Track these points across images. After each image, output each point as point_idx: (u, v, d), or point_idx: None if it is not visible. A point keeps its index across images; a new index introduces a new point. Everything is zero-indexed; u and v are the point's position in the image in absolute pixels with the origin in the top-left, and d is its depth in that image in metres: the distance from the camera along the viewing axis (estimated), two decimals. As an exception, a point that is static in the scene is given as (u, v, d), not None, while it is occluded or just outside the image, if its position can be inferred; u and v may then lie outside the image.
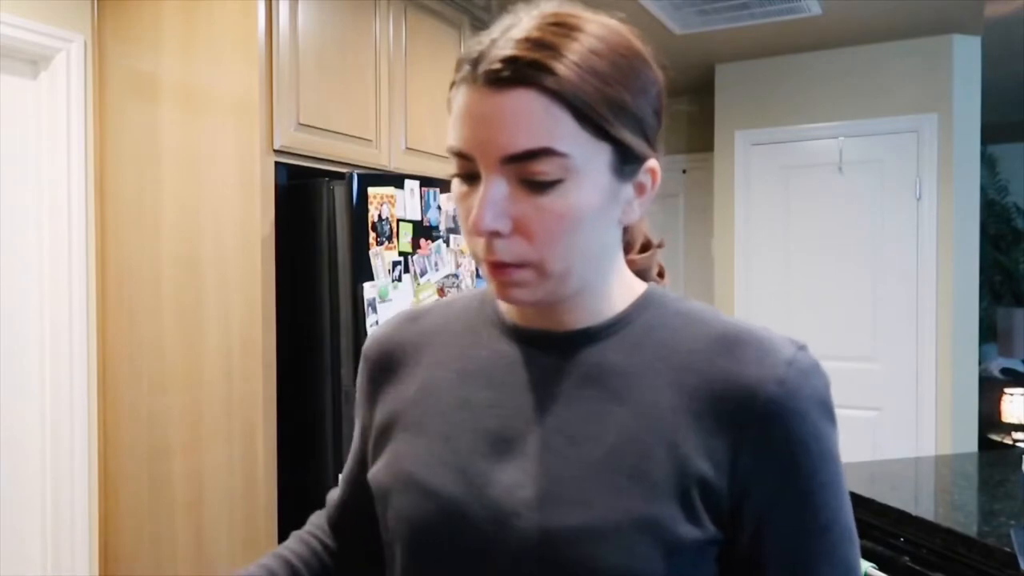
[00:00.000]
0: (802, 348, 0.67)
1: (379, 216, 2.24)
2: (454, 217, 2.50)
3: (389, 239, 2.28)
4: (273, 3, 2.16)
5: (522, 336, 0.73)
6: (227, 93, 2.18)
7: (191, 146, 2.24)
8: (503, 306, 0.76)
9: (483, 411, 0.71)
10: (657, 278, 0.79)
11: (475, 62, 0.63)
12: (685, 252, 4.65)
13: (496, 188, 0.63)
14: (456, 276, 2.53)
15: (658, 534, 0.62)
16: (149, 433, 2.32)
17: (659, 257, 0.80)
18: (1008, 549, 1.55)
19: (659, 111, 0.69)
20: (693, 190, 4.61)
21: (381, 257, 2.26)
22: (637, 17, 3.41)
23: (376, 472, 0.76)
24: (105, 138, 2.38)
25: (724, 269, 4.10)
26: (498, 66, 0.62)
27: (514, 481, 0.66)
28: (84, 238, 2.35)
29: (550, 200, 0.63)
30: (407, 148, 2.68)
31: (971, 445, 3.68)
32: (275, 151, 2.18)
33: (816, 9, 3.23)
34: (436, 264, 2.44)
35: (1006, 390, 4.18)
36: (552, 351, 0.71)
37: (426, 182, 2.41)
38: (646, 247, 0.79)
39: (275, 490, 2.15)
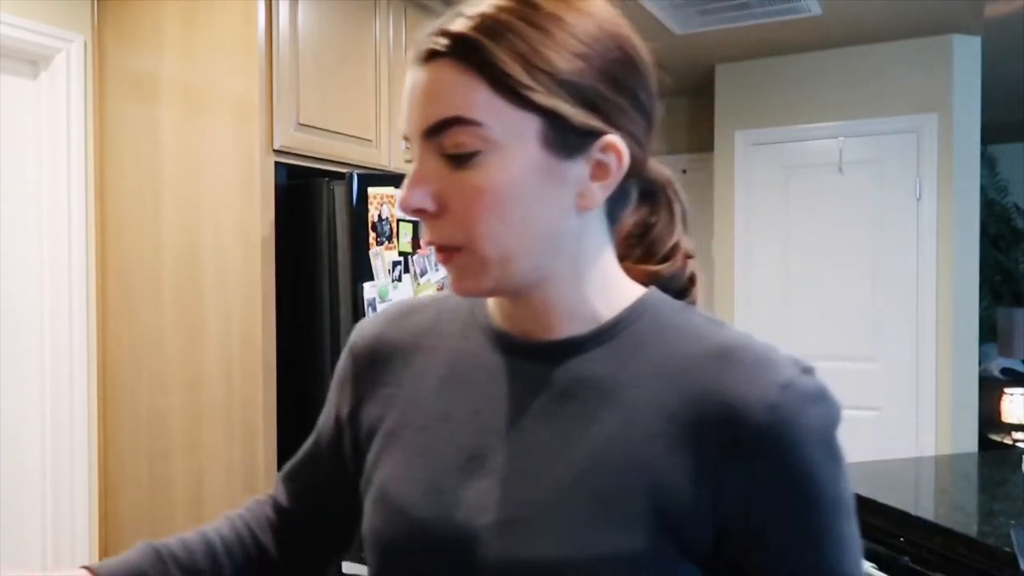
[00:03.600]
0: (806, 371, 0.60)
1: (379, 216, 2.24)
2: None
3: (389, 239, 2.28)
4: (273, 3, 2.16)
5: (507, 343, 0.68)
6: (227, 93, 2.18)
7: (191, 146, 2.24)
8: (491, 309, 0.71)
9: (462, 425, 0.67)
10: (688, 288, 0.73)
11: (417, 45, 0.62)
12: (685, 252, 4.65)
13: (422, 166, 0.61)
14: (456, 276, 2.53)
15: (624, 571, 0.57)
16: (149, 433, 2.32)
17: (691, 268, 0.73)
18: (1008, 549, 1.55)
19: (624, 82, 0.62)
20: (693, 190, 4.59)
21: (381, 257, 2.26)
22: (637, 17, 3.40)
23: (362, 481, 0.73)
24: (105, 138, 2.38)
25: (724, 269, 4.10)
26: (424, 42, 0.61)
27: (481, 503, 0.62)
28: (84, 238, 2.35)
29: (469, 175, 0.59)
30: (407, 148, 2.68)
31: (971, 445, 3.68)
32: (275, 151, 2.18)
33: (816, 9, 3.23)
34: (436, 264, 2.44)
35: (1006, 390, 4.18)
36: (535, 361, 0.66)
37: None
38: (668, 256, 0.72)
39: (275, 490, 2.15)
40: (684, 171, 4.64)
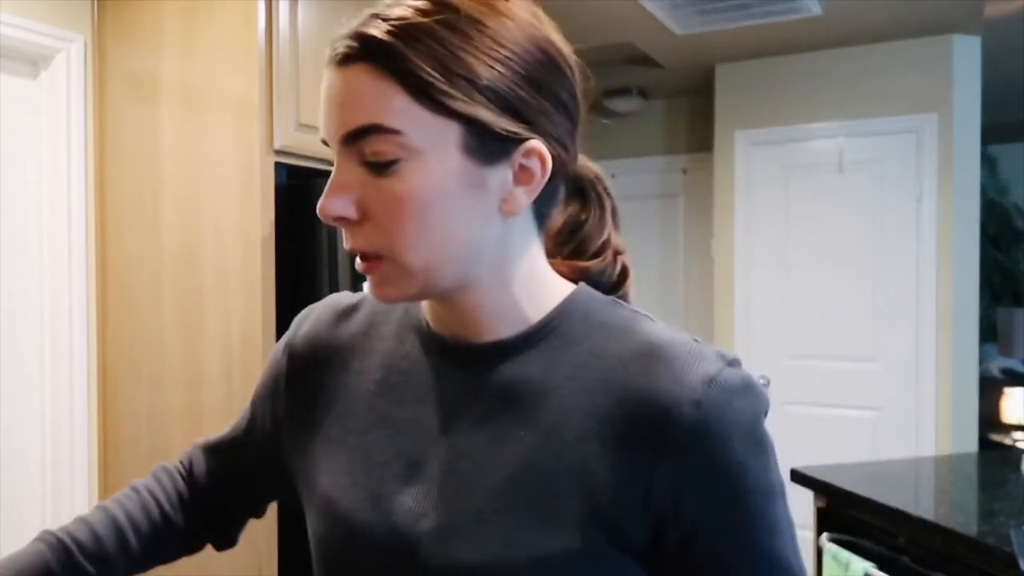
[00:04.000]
0: (731, 364, 0.60)
1: (379, 216, 2.24)
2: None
3: (389, 239, 2.28)
4: (273, 3, 2.16)
5: (440, 347, 0.68)
6: (227, 93, 2.18)
7: (191, 146, 2.24)
8: (426, 311, 0.70)
9: (398, 430, 0.66)
10: (620, 283, 0.73)
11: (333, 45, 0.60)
12: (685, 253, 4.65)
13: (341, 172, 0.60)
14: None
15: (560, 571, 0.58)
16: (149, 433, 2.32)
17: (621, 263, 0.73)
18: (1008, 549, 1.55)
19: (546, 85, 0.61)
20: (693, 190, 4.61)
21: (381, 257, 2.26)
22: (637, 17, 3.42)
23: (300, 484, 0.73)
24: (105, 138, 2.38)
25: (724, 269, 4.10)
26: (339, 44, 0.59)
27: (419, 509, 0.63)
28: (84, 238, 2.35)
29: (390, 183, 0.58)
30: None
31: (971, 445, 3.68)
32: (275, 151, 2.18)
33: (816, 9, 3.23)
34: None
35: (1006, 390, 4.18)
36: (467, 364, 0.66)
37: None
38: (598, 252, 0.72)
39: (275, 490, 2.15)
40: (684, 171, 4.65)
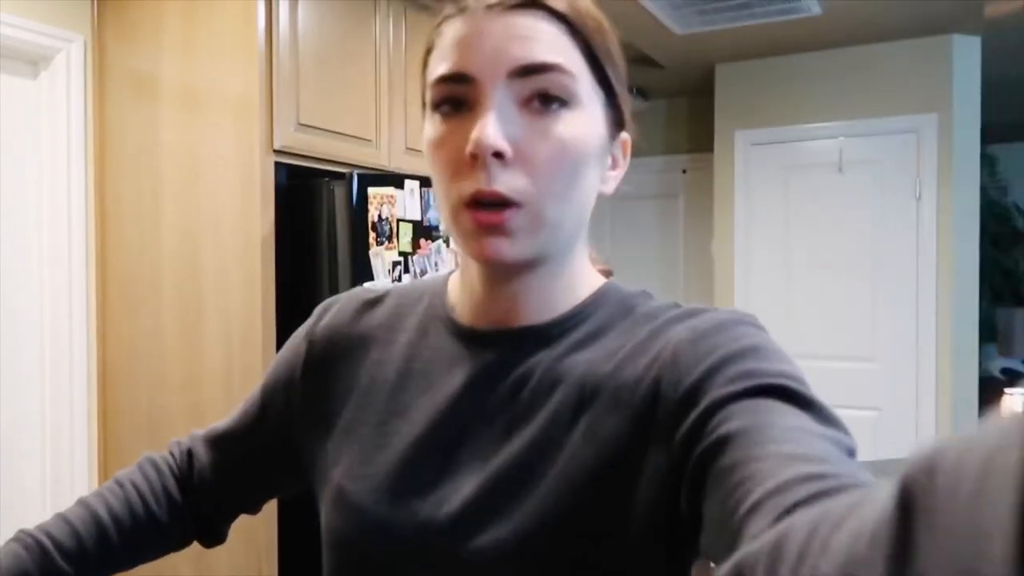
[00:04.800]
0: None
1: (379, 216, 2.24)
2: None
3: (389, 239, 2.28)
4: (273, 4, 2.16)
5: (466, 334, 0.67)
6: (227, 93, 2.18)
7: (191, 146, 2.24)
8: (452, 300, 0.70)
9: (417, 419, 0.66)
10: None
11: None
12: (684, 253, 4.65)
13: (503, 104, 0.58)
14: (456, 276, 2.53)
15: (581, 547, 0.57)
16: (149, 432, 2.32)
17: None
18: (1008, 549, 1.55)
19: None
20: (693, 190, 4.61)
21: (381, 257, 2.26)
22: (637, 17, 3.41)
23: (313, 476, 0.72)
24: (105, 138, 2.38)
25: (724, 270, 4.10)
26: None
27: (438, 497, 0.62)
28: (84, 238, 2.35)
29: (553, 125, 0.59)
30: (407, 148, 2.68)
31: (971, 445, 3.67)
32: (275, 151, 2.18)
33: (816, 9, 3.23)
34: (436, 264, 2.43)
35: (1006, 390, 4.18)
36: (494, 351, 0.65)
37: (426, 182, 2.41)
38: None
39: (275, 490, 2.15)
40: (684, 171, 4.65)
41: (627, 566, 0.57)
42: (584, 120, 0.60)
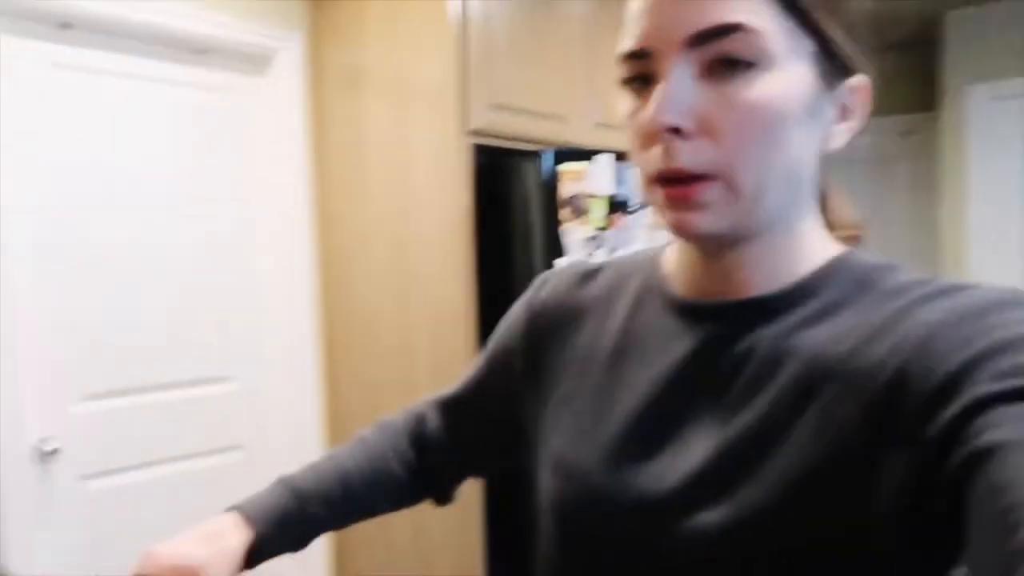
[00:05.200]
0: None
1: (572, 192, 2.25)
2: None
3: (582, 215, 2.28)
4: (467, -11, 2.22)
5: (685, 307, 0.65)
6: (424, 80, 2.28)
7: (395, 133, 2.37)
8: (668, 271, 0.68)
9: (635, 391, 0.65)
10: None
11: None
12: (905, 225, 4.25)
13: (678, 76, 0.55)
14: (650, 251, 2.49)
15: (808, 535, 0.53)
16: (370, 399, 2.50)
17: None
18: None
19: (866, 31, 0.59)
20: (913, 155, 4.20)
21: (575, 233, 2.27)
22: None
23: (534, 443, 0.74)
24: (322, 129, 2.56)
25: (954, 245, 3.69)
26: None
27: (657, 471, 0.61)
28: (306, 225, 2.56)
29: (739, 90, 0.54)
30: (598, 123, 2.67)
31: None
32: (471, 133, 2.25)
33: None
34: (630, 239, 2.41)
35: None
36: (712, 325, 0.62)
37: (619, 156, 2.39)
38: (832, 226, 0.66)
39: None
40: (904, 134, 4.24)
41: (860, 568, 0.52)
42: (780, 79, 0.54)
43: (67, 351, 2.09)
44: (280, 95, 2.51)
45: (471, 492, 2.28)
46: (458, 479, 0.90)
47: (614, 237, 2.38)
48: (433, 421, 0.88)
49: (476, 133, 2.27)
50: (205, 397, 2.39)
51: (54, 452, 2.03)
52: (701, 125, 0.55)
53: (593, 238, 2.32)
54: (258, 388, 2.52)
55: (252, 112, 2.50)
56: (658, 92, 0.55)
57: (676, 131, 0.55)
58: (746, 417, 0.58)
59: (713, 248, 0.61)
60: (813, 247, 0.62)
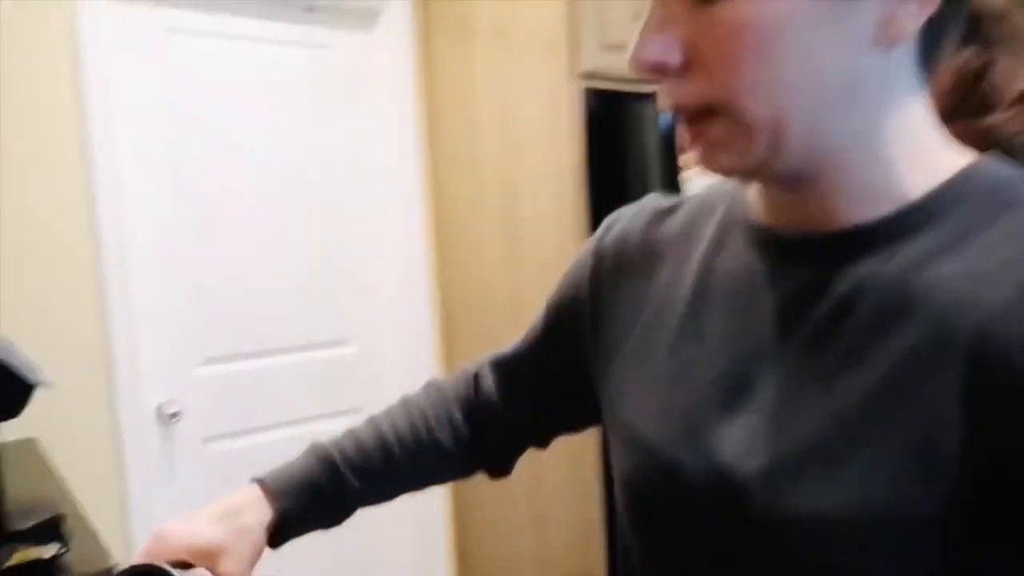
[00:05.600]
0: None
1: (693, 135, 2.07)
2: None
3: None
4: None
5: (773, 242, 0.54)
6: (533, 22, 2.17)
7: (503, 80, 2.28)
8: (753, 198, 0.57)
9: (717, 346, 0.55)
10: None
11: None
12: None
13: (658, 10, 0.48)
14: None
15: (924, 530, 0.43)
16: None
17: None
18: None
19: None
20: None
21: (697, 180, 2.09)
22: None
23: (603, 405, 0.64)
24: (430, 83, 2.50)
25: None
26: None
27: (745, 445, 0.50)
28: (418, 179, 2.51)
29: (725, 9, 0.45)
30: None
31: None
32: (582, 76, 2.11)
33: None
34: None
35: None
36: (806, 261, 0.51)
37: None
38: (1014, 105, 0.53)
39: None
40: None
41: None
42: None
43: (188, 315, 2.13)
44: (388, 50, 2.45)
45: (590, 461, 2.16)
46: (516, 449, 0.79)
47: (743, 183, 2.18)
48: (488, 383, 0.78)
49: (588, 76, 2.12)
50: (323, 360, 2.39)
51: (176, 415, 2.07)
52: (690, 56, 0.47)
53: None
54: (375, 350, 2.51)
55: (361, 68, 2.45)
56: (641, 27, 0.49)
57: (662, 69, 0.48)
58: (862, 377, 0.46)
59: (777, 183, 0.52)
60: (926, 160, 0.49)
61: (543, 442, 0.80)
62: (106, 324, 1.95)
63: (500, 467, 0.79)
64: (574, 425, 0.77)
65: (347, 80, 2.43)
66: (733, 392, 0.52)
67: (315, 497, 0.70)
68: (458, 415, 0.77)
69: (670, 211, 0.65)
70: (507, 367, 0.78)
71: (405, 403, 0.78)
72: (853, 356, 0.47)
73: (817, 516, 0.46)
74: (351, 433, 0.75)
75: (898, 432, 0.44)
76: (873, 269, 0.48)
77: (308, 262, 2.35)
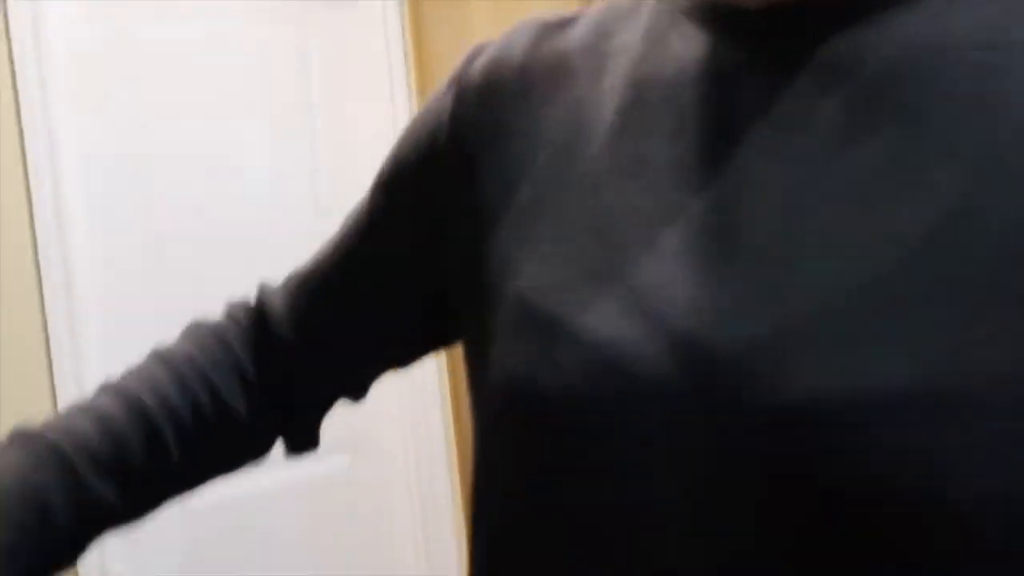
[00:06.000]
0: None
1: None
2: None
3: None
4: None
5: (727, 24, 0.40)
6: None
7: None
8: None
9: (665, 176, 0.39)
10: None
11: None
12: None
13: None
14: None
15: (998, 396, 0.30)
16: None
17: None
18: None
19: None
20: None
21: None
22: None
23: (475, 303, 0.45)
24: (422, 49, 2.41)
25: None
26: None
27: (727, 305, 0.35)
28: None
29: None
30: None
31: None
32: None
33: None
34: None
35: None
36: (774, 42, 0.39)
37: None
38: None
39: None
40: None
41: None
42: None
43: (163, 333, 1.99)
44: (376, 15, 2.36)
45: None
46: (324, 405, 0.57)
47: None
48: (278, 315, 0.55)
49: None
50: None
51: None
52: None
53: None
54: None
55: (343, 40, 2.34)
56: None
57: None
58: (875, 182, 0.34)
59: None
60: None
61: (361, 388, 0.58)
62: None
63: (305, 434, 0.57)
64: (412, 350, 0.57)
65: (330, 52, 2.32)
66: (695, 239, 0.37)
67: (41, 520, 0.43)
68: (249, 366, 0.54)
69: (562, 25, 0.49)
70: (306, 287, 0.56)
71: (163, 359, 0.53)
72: (902, 166, 0.34)
73: (851, 399, 0.32)
74: (84, 413, 0.48)
75: (958, 269, 0.32)
76: (898, 34, 0.36)
77: (297, 262, 2.22)
